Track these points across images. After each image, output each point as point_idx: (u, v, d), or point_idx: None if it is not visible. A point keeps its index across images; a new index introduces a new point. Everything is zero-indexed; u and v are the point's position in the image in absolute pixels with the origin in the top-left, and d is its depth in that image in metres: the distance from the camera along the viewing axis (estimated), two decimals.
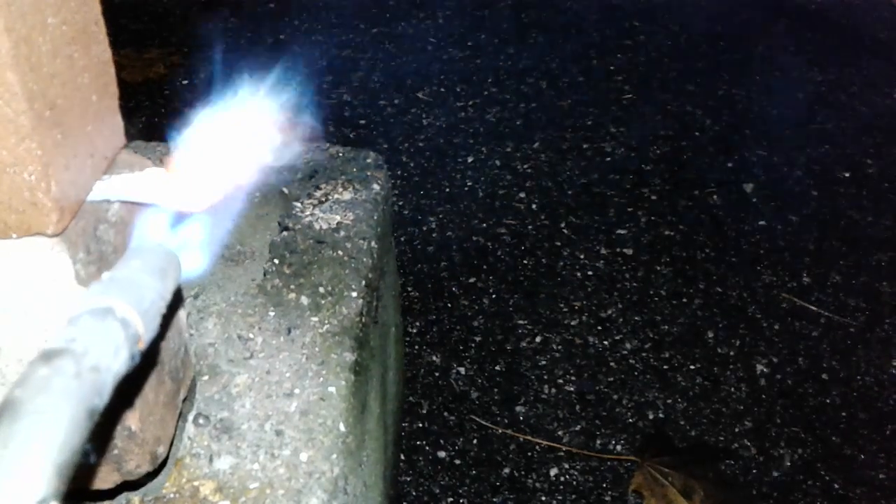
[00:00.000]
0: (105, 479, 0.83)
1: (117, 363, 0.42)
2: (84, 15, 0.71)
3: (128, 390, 0.77)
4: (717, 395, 1.75)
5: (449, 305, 1.96)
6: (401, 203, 2.27)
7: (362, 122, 2.62)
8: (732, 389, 1.77)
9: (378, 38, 3.04)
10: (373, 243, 1.17)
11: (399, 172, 2.39)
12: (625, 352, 1.85)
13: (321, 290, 1.08)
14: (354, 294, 1.07)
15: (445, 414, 1.70)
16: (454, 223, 2.21)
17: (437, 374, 1.78)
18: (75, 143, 0.69)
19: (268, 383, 0.95)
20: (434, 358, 1.82)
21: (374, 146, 2.49)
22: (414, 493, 1.54)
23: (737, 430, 1.68)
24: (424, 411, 1.70)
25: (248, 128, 0.92)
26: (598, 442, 1.65)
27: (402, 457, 1.61)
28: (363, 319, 1.06)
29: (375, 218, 1.22)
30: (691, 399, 1.75)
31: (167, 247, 0.55)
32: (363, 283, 1.10)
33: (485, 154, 2.48)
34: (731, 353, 1.85)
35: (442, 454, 1.62)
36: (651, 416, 1.71)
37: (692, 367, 1.82)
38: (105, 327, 0.43)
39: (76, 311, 0.44)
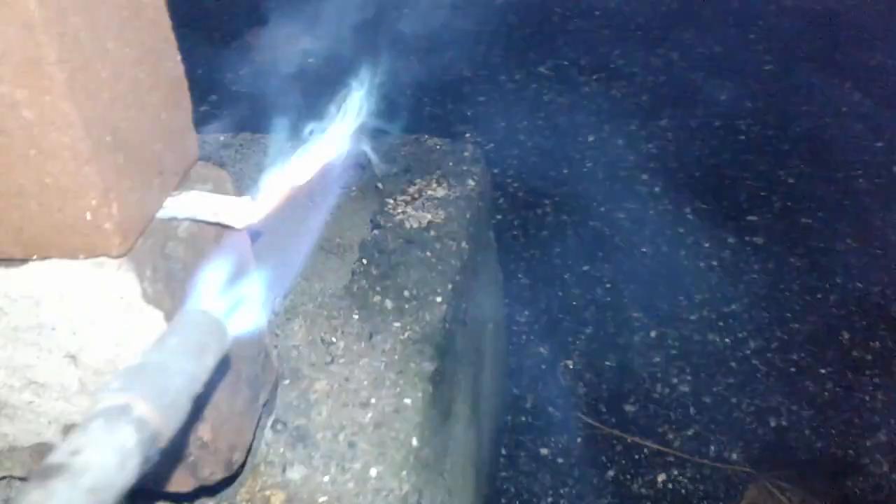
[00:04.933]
0: (182, 483, 0.85)
1: (121, 477, 0.41)
2: (151, 34, 0.70)
3: (198, 404, 0.78)
4: (850, 403, 1.61)
5: (560, 294, 1.90)
6: (515, 185, 2.21)
7: (481, 98, 2.57)
8: (867, 398, 1.61)
9: (502, 7, 2.96)
10: (463, 244, 1.13)
11: (516, 153, 2.33)
12: (748, 351, 1.73)
13: (406, 293, 1.06)
14: (439, 299, 1.05)
15: (550, 409, 1.66)
16: (571, 206, 2.13)
17: (543, 366, 1.74)
18: (141, 163, 0.70)
19: (346, 391, 0.95)
20: (541, 349, 1.77)
21: (491, 124, 2.44)
22: (513, 490, 1.52)
23: (868, 443, 1.53)
24: (528, 405, 1.67)
25: (346, 112, 0.90)
26: (712, 449, 1.56)
27: (504, 451, 1.58)
28: (447, 326, 1.04)
29: (468, 216, 1.18)
30: (819, 407, 1.61)
31: (213, 315, 0.53)
32: (449, 286, 1.07)
33: (607, 132, 2.37)
34: (869, 358, 1.68)
35: (544, 451, 1.58)
36: (773, 424, 1.59)
37: (823, 371, 1.67)
38: (115, 434, 0.41)
39: (93, 409, 0.43)
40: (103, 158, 0.64)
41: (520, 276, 1.95)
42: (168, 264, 0.74)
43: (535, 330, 1.81)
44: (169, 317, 0.73)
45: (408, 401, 0.93)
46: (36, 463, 0.89)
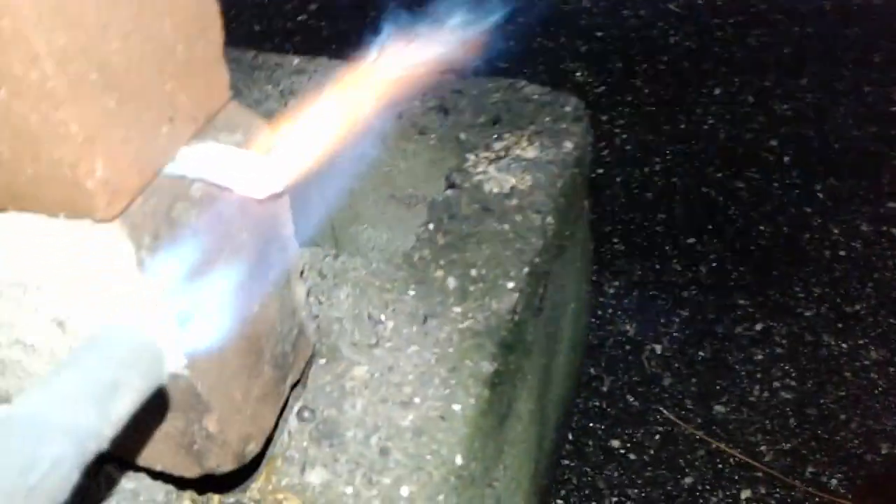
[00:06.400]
0: (187, 468, 0.74)
1: None
2: None
3: (202, 394, 0.66)
4: None
5: (658, 267, 1.70)
6: (624, 136, 1.99)
7: (599, 34, 2.32)
8: None
9: None
10: (548, 219, 0.96)
11: (629, 99, 2.09)
12: (868, 362, 1.50)
13: (473, 272, 0.90)
14: (511, 285, 0.89)
15: (629, 397, 1.49)
16: (683, 168, 1.90)
17: (627, 347, 1.56)
18: (142, 107, 0.56)
19: (386, 383, 0.81)
20: (627, 328, 1.59)
21: (605, 65, 2.20)
22: (574, 482, 1.38)
23: None
24: (605, 389, 1.50)
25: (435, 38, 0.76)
26: (809, 470, 1.36)
27: (570, 437, 1.44)
28: (516, 317, 0.88)
29: (559, 186, 1.00)
30: None
31: (143, 336, 0.39)
32: (525, 269, 0.91)
33: (737, 87, 2.10)
34: None
35: (615, 443, 1.42)
36: (884, 451, 1.38)
37: None
38: None
39: None
40: (85, 101, 0.50)
41: (614, 240, 1.75)
42: (174, 231, 0.61)
43: (624, 305, 1.63)
44: (171, 292, 0.60)
45: (457, 407, 0.79)
46: None
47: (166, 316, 0.55)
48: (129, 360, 0.37)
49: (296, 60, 1.23)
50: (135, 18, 0.53)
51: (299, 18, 2.43)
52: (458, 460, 0.76)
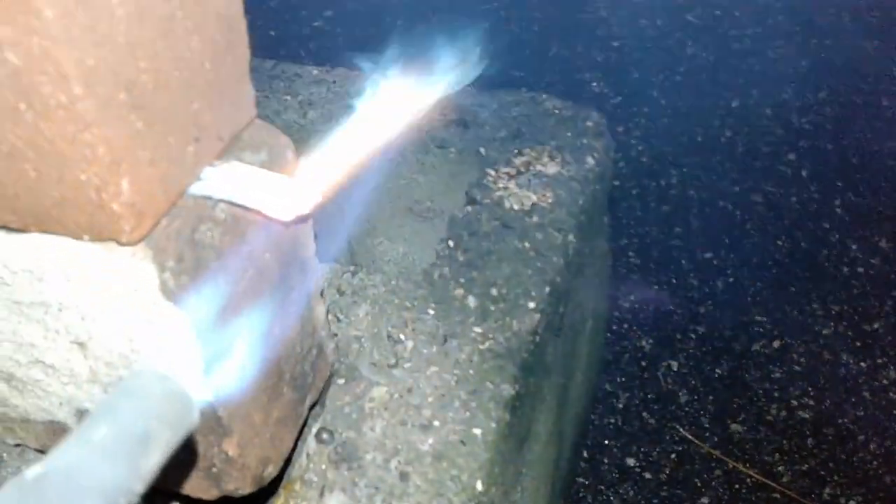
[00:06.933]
0: (204, 490, 0.73)
1: None
2: None
3: (222, 417, 0.65)
4: None
5: (674, 282, 1.68)
6: (640, 148, 1.97)
7: (616, 44, 2.31)
8: None
9: None
10: (570, 237, 0.95)
11: (646, 111, 2.08)
12: (886, 381, 1.48)
13: (494, 291, 0.89)
14: (532, 305, 0.87)
15: (644, 414, 1.47)
16: (700, 181, 1.88)
17: (643, 363, 1.55)
18: (168, 127, 0.54)
19: (406, 405, 0.80)
20: (643, 343, 1.58)
21: (623, 75, 2.19)
22: (589, 501, 1.36)
23: None
24: (620, 405, 1.49)
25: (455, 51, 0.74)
26: (827, 491, 1.34)
27: (585, 454, 1.42)
28: (538, 338, 0.86)
29: (581, 203, 0.99)
30: None
31: (174, 384, 0.37)
32: (547, 289, 0.89)
33: (755, 99, 2.08)
34: None
35: (631, 462, 1.41)
36: None
37: None
38: None
39: None
40: (113, 122, 0.49)
41: (630, 254, 1.74)
42: (198, 253, 0.59)
43: (640, 320, 1.61)
44: (194, 319, 0.59)
45: (478, 431, 0.77)
46: (50, 439, 0.79)
47: (190, 342, 0.54)
48: (160, 411, 0.36)
49: (315, 71, 1.22)
50: (163, 37, 0.52)
51: (315, 24, 2.43)
52: (479, 486, 0.74)
